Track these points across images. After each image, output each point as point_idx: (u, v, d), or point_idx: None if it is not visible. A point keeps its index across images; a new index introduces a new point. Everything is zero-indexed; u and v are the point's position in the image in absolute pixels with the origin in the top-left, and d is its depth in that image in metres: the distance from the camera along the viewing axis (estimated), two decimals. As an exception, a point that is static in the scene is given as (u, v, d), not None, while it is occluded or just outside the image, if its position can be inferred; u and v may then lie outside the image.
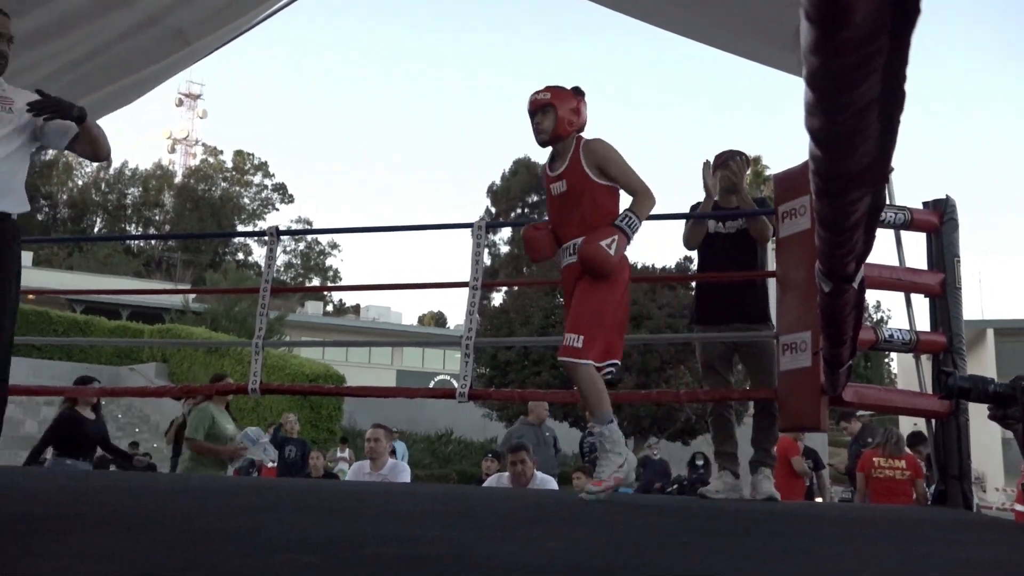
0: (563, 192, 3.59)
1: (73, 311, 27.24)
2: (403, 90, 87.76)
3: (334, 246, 59.83)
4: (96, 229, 57.81)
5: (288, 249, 58.60)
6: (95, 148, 3.37)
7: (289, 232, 6.06)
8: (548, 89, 3.61)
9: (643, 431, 17.94)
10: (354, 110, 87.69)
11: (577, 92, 3.66)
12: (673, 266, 22.19)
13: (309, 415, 17.76)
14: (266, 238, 5.16)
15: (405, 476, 6.03)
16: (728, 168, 4.45)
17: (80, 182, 58.62)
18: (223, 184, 60.64)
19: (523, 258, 39.25)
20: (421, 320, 58.82)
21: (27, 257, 33.60)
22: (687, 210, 4.63)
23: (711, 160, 4.51)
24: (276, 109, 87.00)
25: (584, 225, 3.50)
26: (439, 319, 59.21)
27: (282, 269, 59.66)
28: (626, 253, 3.44)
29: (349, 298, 55.40)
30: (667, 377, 17.40)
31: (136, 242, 56.80)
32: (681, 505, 3.91)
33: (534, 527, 2.30)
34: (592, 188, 3.51)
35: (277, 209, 60.31)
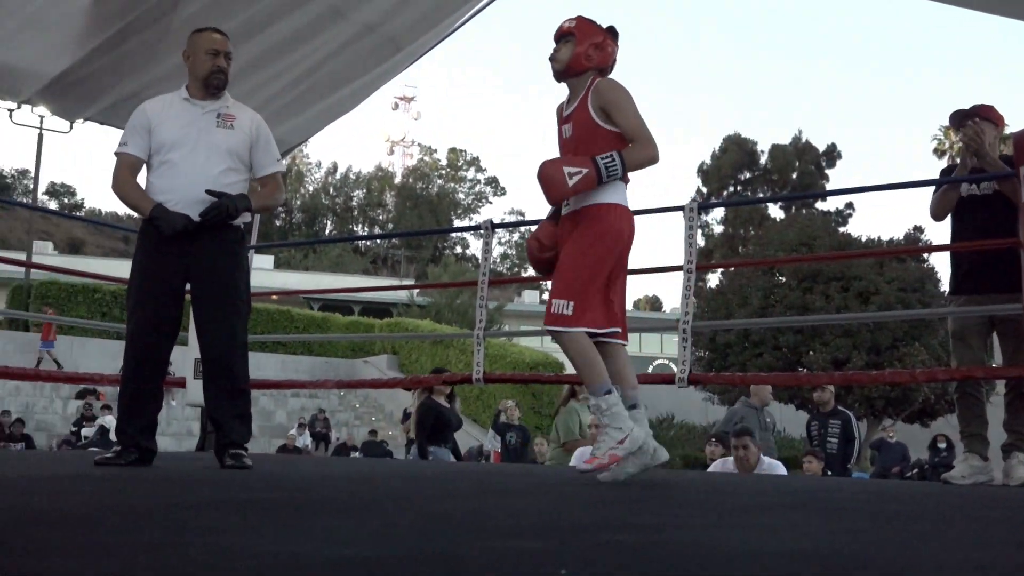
0: (569, 137, 3.25)
1: (311, 309, 29.15)
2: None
3: (548, 235, 60.54)
4: (327, 231, 61.70)
5: (503, 240, 60.10)
6: (271, 208, 3.61)
7: (502, 225, 6.19)
8: (575, 18, 3.30)
9: (876, 413, 17.04)
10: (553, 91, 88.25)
11: (611, 31, 3.35)
12: (902, 238, 20.88)
13: (531, 402, 18.13)
14: (481, 232, 5.31)
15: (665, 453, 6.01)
16: (968, 127, 4.07)
17: (311, 187, 62.73)
18: (439, 181, 62.99)
19: (738, 237, 38.18)
20: (637, 305, 58.56)
21: (268, 260, 36.44)
22: (938, 176, 4.30)
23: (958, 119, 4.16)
24: (484, 105, 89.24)
25: None
26: (655, 303, 58.77)
27: (498, 260, 61.25)
28: (621, 205, 3.12)
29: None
30: (900, 355, 16.43)
31: (363, 241, 60.11)
32: (923, 491, 3.67)
33: (765, 514, 2.23)
34: (597, 134, 3.15)
35: (491, 202, 61.98)
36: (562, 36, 3.26)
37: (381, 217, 63.16)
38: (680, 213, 4.68)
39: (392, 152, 65.11)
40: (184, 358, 5.03)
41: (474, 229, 5.72)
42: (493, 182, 62.83)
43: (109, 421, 13.00)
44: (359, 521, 1.71)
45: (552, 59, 3.26)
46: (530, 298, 43.19)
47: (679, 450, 20.73)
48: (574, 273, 3.06)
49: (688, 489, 3.15)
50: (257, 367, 3.58)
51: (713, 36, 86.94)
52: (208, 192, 3.33)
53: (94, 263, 35.95)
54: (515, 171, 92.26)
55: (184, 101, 3.48)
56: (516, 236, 61.02)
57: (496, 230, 5.45)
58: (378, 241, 60.13)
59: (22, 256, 25.34)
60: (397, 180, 63.60)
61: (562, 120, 3.30)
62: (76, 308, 21.24)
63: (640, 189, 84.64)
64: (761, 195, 43.48)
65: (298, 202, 62.17)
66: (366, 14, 5.22)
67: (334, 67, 5.55)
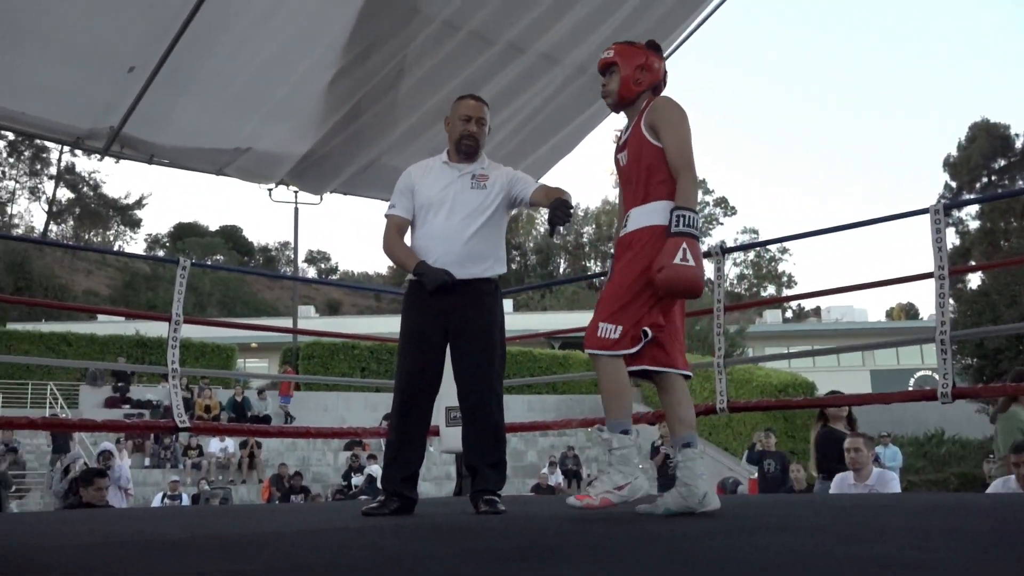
0: (625, 164, 3.16)
1: (552, 348, 29.70)
2: (825, 78, 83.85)
3: (784, 251, 58.64)
4: (561, 270, 62.79)
5: (738, 261, 58.64)
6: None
7: (734, 248, 6.03)
8: (613, 47, 3.23)
9: None
10: (779, 112, 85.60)
11: (650, 46, 3.20)
12: None
13: (783, 426, 17.44)
14: (713, 257, 5.20)
15: (894, 486, 5.65)
16: None
17: (542, 229, 64.15)
18: (667, 208, 62.45)
19: (999, 231, 35.01)
20: (889, 314, 55.18)
21: (507, 305, 37.49)
22: None
23: None
24: (703, 127, 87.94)
25: (640, 195, 3.06)
26: (909, 311, 55.08)
27: (735, 281, 59.80)
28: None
29: (809, 301, 53.74)
30: None
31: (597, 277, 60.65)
32: None
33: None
34: (645, 149, 3.04)
35: (721, 223, 60.67)
36: (606, 68, 3.21)
37: (612, 251, 63.37)
38: (926, 216, 4.37)
39: (617, 186, 65.41)
40: (437, 406, 5.27)
41: (705, 256, 5.61)
42: (722, 203, 61.58)
43: (375, 470, 13.82)
44: (608, 569, 1.71)
45: (604, 95, 3.24)
46: (772, 318, 41.75)
47: (953, 467, 19.16)
48: (624, 297, 2.94)
49: (965, 515, 2.90)
50: (505, 409, 3.70)
51: (952, 12, 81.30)
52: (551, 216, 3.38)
53: (351, 322, 38.58)
54: (745, 189, 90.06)
55: (444, 164, 3.70)
56: (751, 255, 59.43)
57: (729, 253, 5.32)
58: (611, 275, 60.31)
59: (289, 321, 27.63)
60: (625, 213, 63.71)
61: (618, 148, 3.23)
62: (338, 365, 22.82)
63: (882, 190, 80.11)
64: (1022, 184, 39.76)
65: (531, 244, 63.80)
66: (576, 56, 5.33)
67: (552, 110, 5.70)
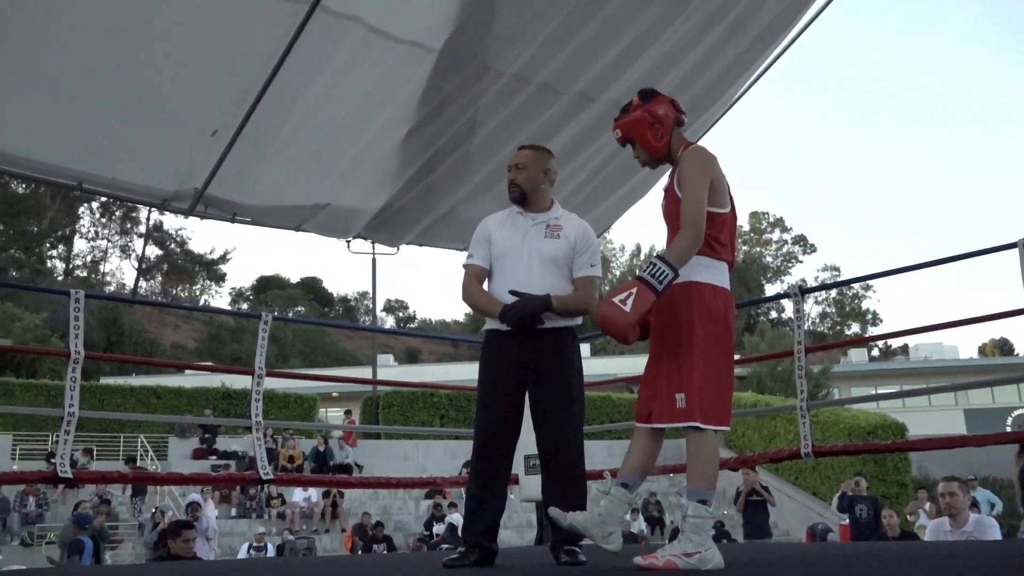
0: (664, 214, 3.19)
1: (631, 392, 29.42)
2: (908, 109, 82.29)
3: (868, 287, 57.30)
4: (638, 313, 62.33)
5: (820, 299, 57.45)
6: (579, 311, 3.66)
7: (813, 288, 5.91)
8: (616, 125, 3.24)
9: None
10: (859, 145, 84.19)
11: (644, 98, 3.17)
12: None
13: (874, 469, 16.87)
14: (791, 297, 5.12)
15: (994, 532, 5.42)
16: None
17: (617, 272, 63.99)
18: (743, 247, 61.79)
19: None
20: (982, 351, 53.27)
21: (585, 349, 37.28)
22: None
23: None
24: (779, 162, 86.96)
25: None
26: (1004, 346, 53.11)
27: (817, 320, 58.54)
28: (713, 301, 2.94)
29: (896, 339, 52.27)
30: None
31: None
32: None
33: None
34: (675, 204, 3.03)
35: (800, 261, 59.73)
36: (625, 143, 3.24)
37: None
38: (1015, 250, 4.24)
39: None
40: (516, 455, 5.26)
41: (783, 297, 5.52)
42: (801, 240, 60.64)
43: (456, 518, 13.81)
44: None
45: (642, 164, 3.30)
46: (858, 357, 40.65)
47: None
48: (695, 367, 2.90)
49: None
50: (586, 456, 3.67)
51: (1029, 48, 79.29)
52: (511, 292, 3.51)
53: (429, 369, 38.84)
54: (824, 226, 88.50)
55: (518, 215, 3.73)
56: (834, 293, 58.19)
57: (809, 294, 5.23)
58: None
59: (369, 370, 27.96)
60: (701, 254, 63.18)
61: (664, 196, 3.22)
62: (417, 413, 22.96)
63: (972, 222, 77.90)
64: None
65: (607, 287, 63.51)
66: (647, 103, 5.34)
67: (625, 157, 5.68)
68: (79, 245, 54.21)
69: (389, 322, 64.12)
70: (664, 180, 3.28)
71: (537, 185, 3.72)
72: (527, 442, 3.74)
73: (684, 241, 2.88)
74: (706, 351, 2.91)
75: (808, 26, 5.27)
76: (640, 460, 3.06)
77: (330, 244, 5.84)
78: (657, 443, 3.08)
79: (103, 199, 46.26)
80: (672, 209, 3.07)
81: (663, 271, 2.81)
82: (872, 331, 56.09)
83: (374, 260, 26.06)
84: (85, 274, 52.61)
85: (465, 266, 3.78)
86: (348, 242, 5.82)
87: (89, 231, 54.99)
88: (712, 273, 3.02)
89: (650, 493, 17.94)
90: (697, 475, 2.87)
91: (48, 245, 52.33)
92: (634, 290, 2.77)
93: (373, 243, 5.97)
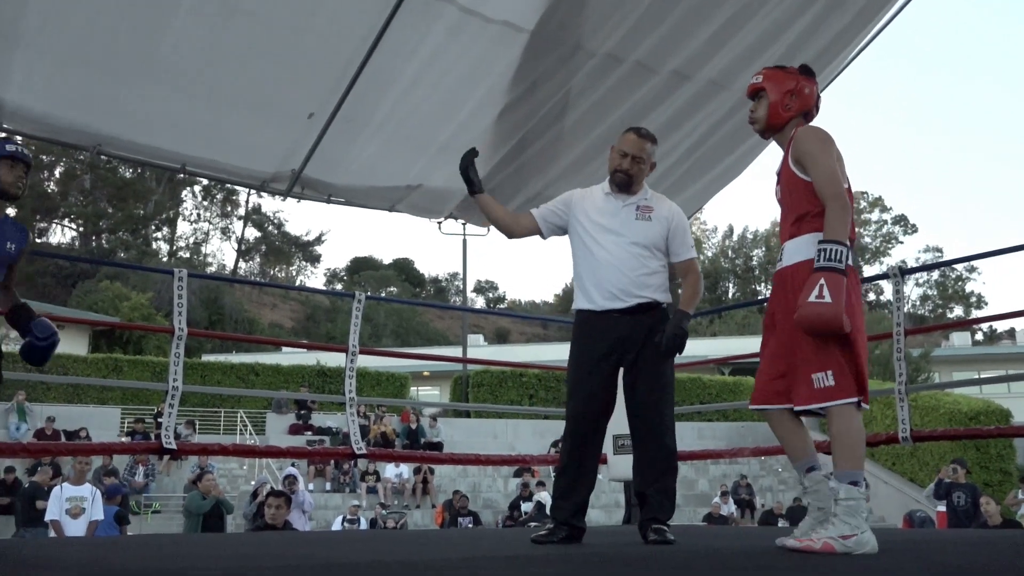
0: (780, 197, 3.10)
1: (722, 374, 29.06)
2: (1016, 81, 78.63)
3: (972, 269, 55.21)
4: (730, 294, 61.42)
5: (921, 281, 55.61)
6: (698, 298, 3.72)
7: (913, 269, 5.74)
8: (762, 71, 3.15)
9: None
10: (964, 121, 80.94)
11: (803, 71, 3.06)
12: None
13: (975, 456, 16.34)
14: (891, 278, 4.98)
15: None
16: None
17: (710, 252, 63.11)
18: (841, 229, 60.12)
19: None
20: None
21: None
22: None
23: None
24: (879, 142, 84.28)
25: (790, 227, 3.01)
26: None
27: (917, 303, 56.69)
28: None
29: (1002, 322, 50.28)
30: None
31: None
32: None
33: None
34: (797, 188, 2.97)
35: (901, 242, 57.73)
36: (755, 93, 3.15)
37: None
38: None
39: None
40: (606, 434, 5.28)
41: (882, 278, 5.38)
42: (902, 220, 58.66)
43: (544, 496, 13.88)
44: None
45: (752, 120, 3.19)
46: (960, 340, 39.24)
47: None
48: (822, 341, 2.83)
49: None
50: (676, 437, 3.66)
51: None
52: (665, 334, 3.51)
53: (519, 350, 39.05)
54: (925, 205, 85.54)
55: (606, 195, 3.70)
56: (935, 275, 56.23)
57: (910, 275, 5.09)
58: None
59: (459, 350, 28.29)
60: (796, 234, 61.79)
61: (777, 180, 3.15)
62: (506, 393, 23.16)
63: (1081, 204, 74.10)
64: None
65: (699, 268, 62.63)
66: (743, 82, 5.24)
67: (718, 138, 5.64)
68: (182, 227, 56.05)
69: (479, 302, 64.56)
70: (778, 167, 3.19)
71: (643, 176, 3.71)
72: (616, 421, 3.75)
73: (836, 214, 2.85)
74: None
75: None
76: (803, 440, 3.08)
77: (422, 225, 5.94)
78: (797, 422, 3.07)
79: (205, 182, 47.76)
80: (789, 188, 3.03)
81: (835, 250, 2.79)
82: (976, 314, 54.06)
83: (465, 241, 26.27)
84: (188, 255, 54.38)
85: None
86: (439, 223, 5.89)
87: (192, 214, 56.82)
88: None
89: (740, 476, 17.73)
90: (845, 455, 2.81)
91: (153, 228, 54.25)
92: (822, 280, 2.75)
93: (464, 224, 6.03)
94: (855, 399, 2.82)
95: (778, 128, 3.13)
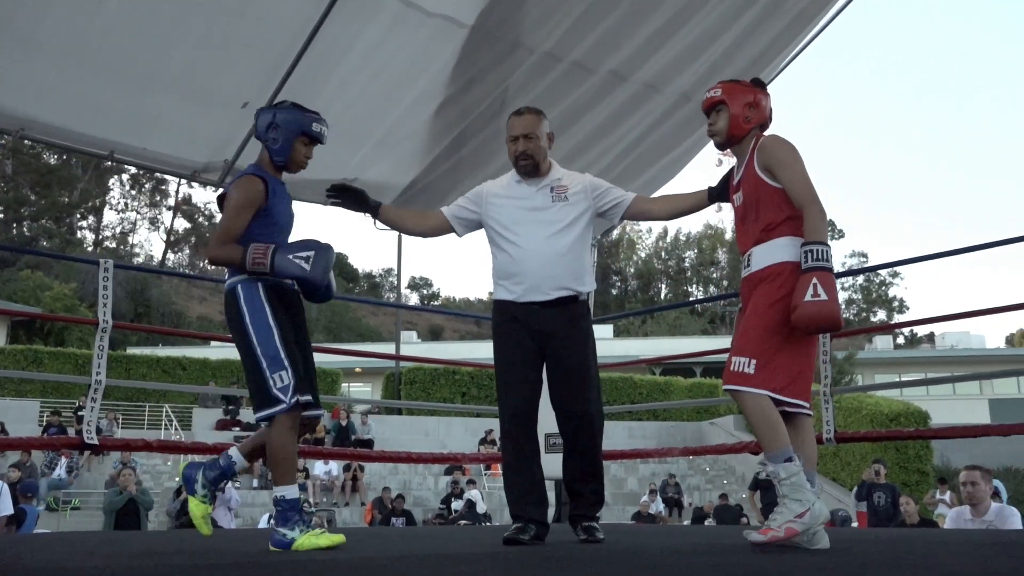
0: (740, 204, 3.15)
1: (653, 374, 29.41)
2: (938, 90, 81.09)
3: (896, 275, 56.80)
4: (662, 294, 62.21)
5: (847, 285, 57.01)
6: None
7: (840, 274, 5.85)
8: (720, 85, 3.21)
9: None
10: (889, 128, 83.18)
11: (756, 83, 3.17)
12: None
13: (895, 456, 16.79)
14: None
15: (1015, 522, 5.39)
16: None
17: (643, 254, 63.81)
18: (771, 233, 61.31)
19: None
20: (1010, 340, 52.72)
21: (607, 330, 37.25)
22: None
23: None
24: (810, 149, 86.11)
25: (758, 233, 3.04)
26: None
27: (844, 306, 58.12)
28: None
29: (922, 327, 51.81)
30: None
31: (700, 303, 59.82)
32: None
33: None
34: (764, 193, 3.03)
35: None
36: (713, 107, 3.19)
37: (715, 275, 62.61)
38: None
39: (720, 209, 64.55)
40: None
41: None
42: (829, 226, 60.07)
43: (475, 495, 13.88)
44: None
45: (711, 133, 3.22)
46: (883, 344, 40.35)
47: (1083, 505, 18.12)
48: (756, 332, 2.92)
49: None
50: (605, 436, 3.67)
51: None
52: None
53: (452, 347, 38.97)
54: (851, 212, 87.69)
55: (517, 183, 3.59)
56: (860, 280, 57.69)
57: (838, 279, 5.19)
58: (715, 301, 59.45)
59: (392, 346, 28.11)
60: (728, 236, 62.91)
61: (733, 189, 3.22)
62: (439, 390, 23.08)
63: (997, 208, 76.78)
64: None
65: (631, 269, 63.41)
66: (679, 85, 5.31)
67: (655, 139, 5.68)
68: (109, 217, 54.88)
69: (413, 299, 64.29)
70: (736, 174, 3.23)
71: (545, 153, 3.58)
72: (544, 420, 3.73)
73: (816, 217, 2.93)
74: (769, 319, 2.92)
75: (847, 5, 5.20)
76: (795, 444, 3.03)
77: (356, 220, 5.86)
78: (792, 424, 3.02)
79: (133, 171, 46.57)
80: (756, 196, 3.06)
81: (821, 250, 2.86)
82: (898, 318, 55.62)
83: (400, 237, 26.16)
84: (114, 245, 53.13)
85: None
86: (375, 220, 5.82)
87: (119, 203, 55.54)
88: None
89: (669, 475, 17.97)
90: (767, 437, 2.86)
91: (78, 216, 52.85)
92: (814, 279, 2.81)
93: (399, 220, 5.95)
94: (765, 392, 2.87)
95: (738, 140, 3.17)
